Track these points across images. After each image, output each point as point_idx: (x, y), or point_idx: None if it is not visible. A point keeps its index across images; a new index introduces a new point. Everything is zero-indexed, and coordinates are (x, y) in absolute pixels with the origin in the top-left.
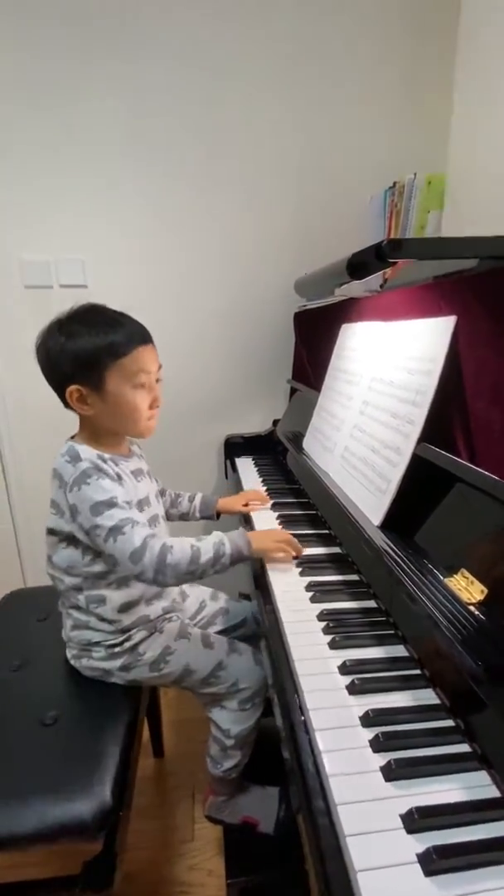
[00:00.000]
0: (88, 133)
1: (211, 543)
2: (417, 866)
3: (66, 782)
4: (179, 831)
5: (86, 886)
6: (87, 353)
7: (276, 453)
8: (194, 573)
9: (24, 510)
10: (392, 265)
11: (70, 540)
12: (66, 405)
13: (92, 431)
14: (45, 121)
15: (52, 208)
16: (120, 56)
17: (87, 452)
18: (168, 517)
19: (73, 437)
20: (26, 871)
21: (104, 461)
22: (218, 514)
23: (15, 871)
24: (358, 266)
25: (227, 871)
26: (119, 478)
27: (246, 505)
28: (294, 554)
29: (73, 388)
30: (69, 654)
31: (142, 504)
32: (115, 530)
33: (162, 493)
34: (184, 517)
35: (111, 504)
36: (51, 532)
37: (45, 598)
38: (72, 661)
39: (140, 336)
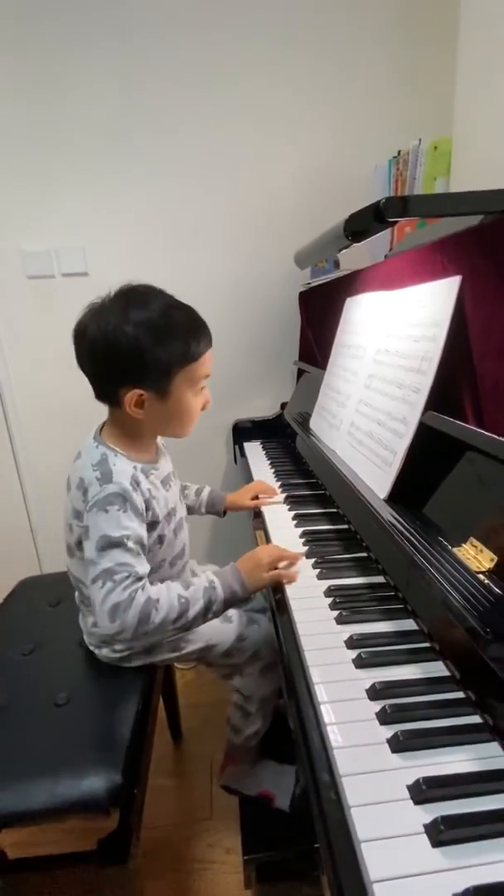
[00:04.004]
0: (82, 118)
1: (201, 590)
2: (424, 837)
3: (78, 759)
4: (198, 810)
5: (101, 861)
6: (160, 357)
7: (285, 436)
8: (182, 627)
9: (38, 498)
10: (392, 225)
11: None
12: (104, 400)
13: (129, 433)
14: (39, 109)
15: (51, 197)
16: (112, 36)
17: (121, 472)
18: None
19: (101, 431)
20: (44, 847)
21: (137, 484)
22: (224, 511)
23: (33, 848)
24: (357, 228)
25: (244, 846)
26: (148, 504)
27: (255, 498)
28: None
29: (135, 392)
30: (88, 641)
31: (170, 514)
32: (108, 574)
33: None
34: (189, 510)
35: (119, 543)
36: (78, 544)
37: (57, 584)
38: (92, 649)
39: (209, 338)
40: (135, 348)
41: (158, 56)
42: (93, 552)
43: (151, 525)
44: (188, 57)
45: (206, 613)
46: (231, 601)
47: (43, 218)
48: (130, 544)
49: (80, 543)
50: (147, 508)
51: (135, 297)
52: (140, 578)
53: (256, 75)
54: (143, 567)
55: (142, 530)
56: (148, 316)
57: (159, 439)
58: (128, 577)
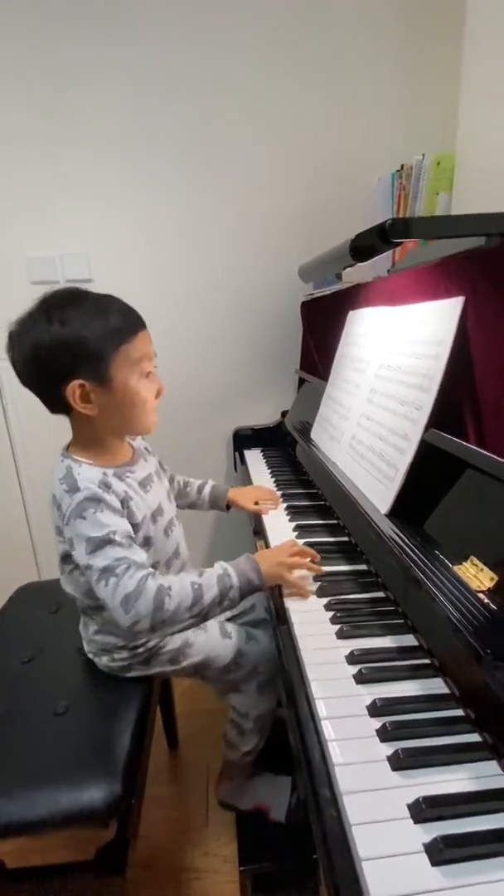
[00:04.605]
0: (89, 126)
1: (215, 577)
2: (424, 856)
3: (77, 770)
4: (194, 819)
5: (99, 872)
6: (88, 341)
7: (285, 445)
8: (198, 615)
9: (38, 504)
10: (397, 246)
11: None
12: (57, 408)
13: (91, 439)
14: (45, 116)
15: (55, 204)
16: (118, 48)
17: (87, 479)
18: (177, 506)
19: (68, 448)
20: (42, 856)
21: (107, 486)
22: (228, 507)
23: (31, 857)
24: (362, 247)
25: (240, 857)
26: (125, 503)
27: (256, 503)
28: (314, 572)
29: (75, 383)
30: (87, 649)
31: (155, 515)
32: (108, 572)
33: (170, 481)
34: (192, 506)
35: (106, 541)
36: (63, 559)
37: (56, 590)
38: (91, 657)
39: (138, 319)
40: (60, 340)
41: (163, 67)
42: (84, 558)
43: (131, 527)
44: (192, 67)
45: (222, 601)
46: (247, 589)
47: (48, 224)
48: (119, 538)
49: (65, 558)
50: (124, 507)
51: (53, 299)
52: (142, 566)
53: (261, 86)
54: (139, 556)
55: (125, 525)
56: (68, 311)
57: (141, 443)
58: (129, 568)
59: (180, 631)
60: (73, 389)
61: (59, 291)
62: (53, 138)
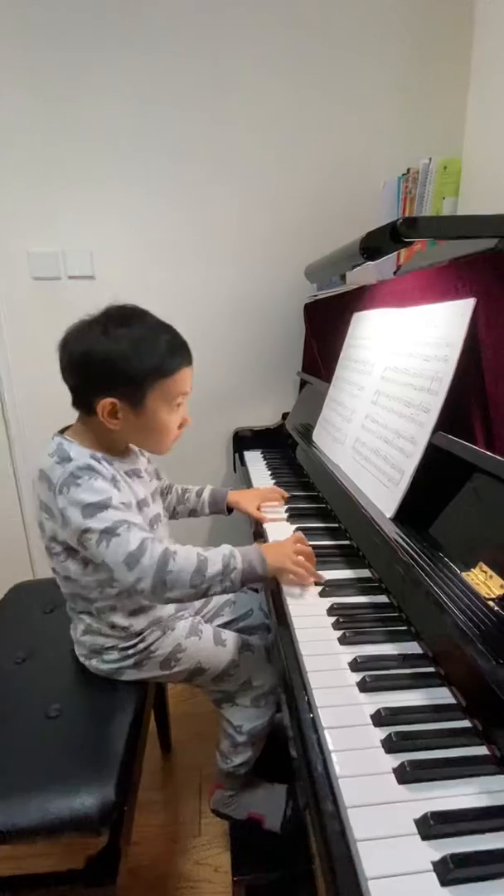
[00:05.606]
0: (93, 124)
1: (220, 555)
2: (433, 875)
3: (69, 776)
4: (186, 826)
5: (89, 882)
6: (134, 368)
7: (286, 447)
8: (199, 587)
9: (34, 502)
10: (407, 245)
11: (70, 550)
12: (81, 409)
13: (97, 437)
14: (50, 113)
15: (59, 200)
16: (123, 46)
17: (78, 451)
18: (176, 515)
19: (62, 432)
20: (29, 863)
21: (97, 461)
22: (230, 510)
23: (18, 864)
24: (372, 246)
25: (234, 867)
26: (114, 479)
27: (259, 508)
28: (313, 578)
29: (108, 401)
30: (78, 652)
31: (140, 505)
32: (108, 532)
33: (168, 489)
34: (193, 513)
35: (104, 505)
36: (50, 539)
37: (52, 590)
38: (81, 660)
39: (187, 356)
40: (108, 357)
41: (168, 67)
42: (81, 522)
43: None
44: (197, 68)
45: (223, 580)
46: (249, 575)
47: (51, 221)
48: (115, 503)
49: (53, 539)
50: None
51: (116, 314)
52: (143, 528)
53: (267, 89)
54: (138, 520)
55: (119, 494)
56: (125, 330)
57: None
58: (130, 528)
59: (176, 600)
60: (105, 406)
61: (123, 307)
62: (57, 135)
